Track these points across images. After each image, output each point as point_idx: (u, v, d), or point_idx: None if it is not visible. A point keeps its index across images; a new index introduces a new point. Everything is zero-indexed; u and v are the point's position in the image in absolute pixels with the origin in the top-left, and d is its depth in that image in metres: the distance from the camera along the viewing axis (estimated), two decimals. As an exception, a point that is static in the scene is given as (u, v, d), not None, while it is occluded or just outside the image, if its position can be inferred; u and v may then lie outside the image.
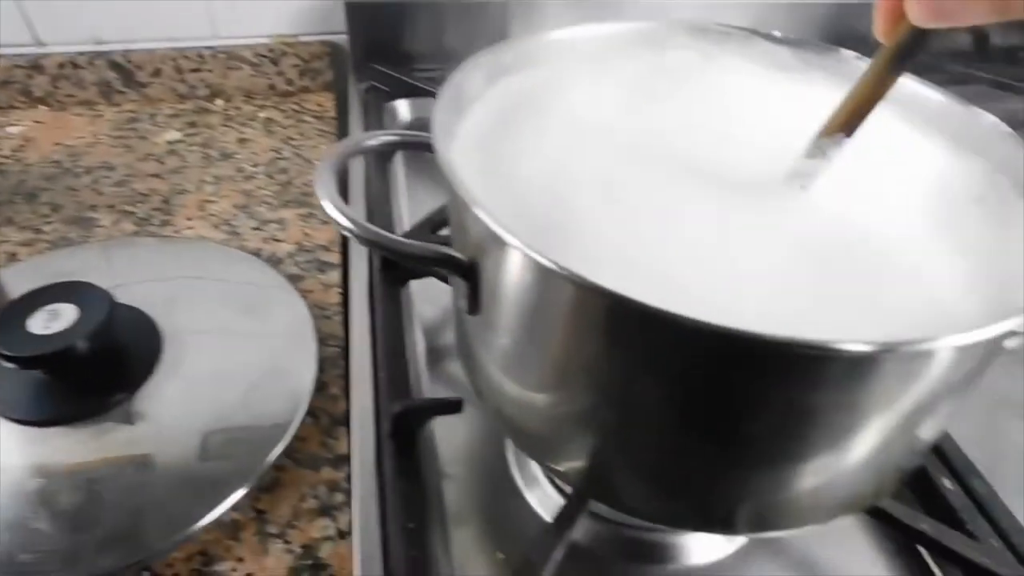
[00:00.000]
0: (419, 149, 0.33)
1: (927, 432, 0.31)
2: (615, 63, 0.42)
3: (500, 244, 0.26)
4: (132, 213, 0.61)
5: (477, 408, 0.42)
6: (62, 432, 0.41)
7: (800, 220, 0.31)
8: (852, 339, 0.22)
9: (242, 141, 0.70)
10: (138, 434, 0.41)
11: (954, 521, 0.39)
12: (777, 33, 0.43)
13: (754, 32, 0.44)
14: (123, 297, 0.47)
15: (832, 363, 0.23)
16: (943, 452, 0.42)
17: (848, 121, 0.31)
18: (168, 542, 0.37)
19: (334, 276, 0.55)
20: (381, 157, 0.61)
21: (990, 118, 0.37)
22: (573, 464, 0.32)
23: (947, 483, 0.41)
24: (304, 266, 0.56)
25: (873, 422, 0.28)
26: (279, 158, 0.68)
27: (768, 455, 0.29)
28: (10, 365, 0.40)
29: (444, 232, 0.51)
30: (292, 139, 0.71)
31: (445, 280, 0.46)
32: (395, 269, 0.49)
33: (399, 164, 0.64)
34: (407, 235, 0.50)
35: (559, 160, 0.34)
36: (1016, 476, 0.45)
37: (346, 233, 0.29)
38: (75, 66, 0.73)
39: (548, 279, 0.25)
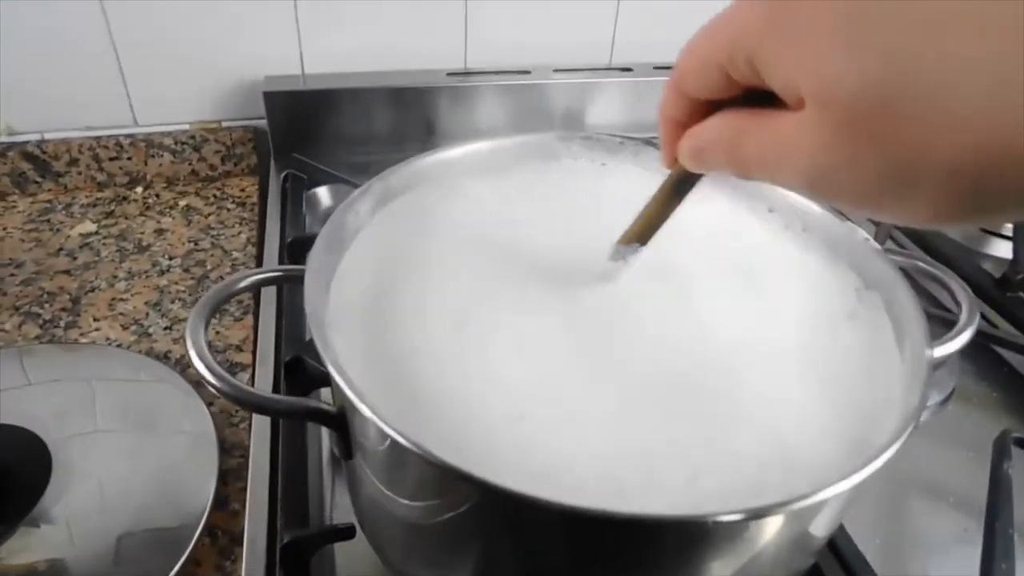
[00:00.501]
0: (298, 283, 0.33)
1: (814, 537, 0.32)
2: (507, 177, 0.43)
3: (354, 406, 0.26)
4: (38, 315, 0.59)
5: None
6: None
7: (657, 352, 0.32)
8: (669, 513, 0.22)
9: (159, 232, 0.70)
10: (20, 569, 0.40)
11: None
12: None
13: (647, 142, 0.45)
14: (13, 413, 0.46)
15: (669, 529, 0.24)
16: (837, 549, 0.43)
17: (642, 233, 0.34)
18: None
19: (244, 379, 0.54)
20: (295, 254, 0.60)
21: (861, 234, 0.38)
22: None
23: (840, 585, 0.41)
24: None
25: (744, 555, 0.28)
26: (196, 249, 0.68)
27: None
28: None
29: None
30: (212, 228, 0.71)
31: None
32: (301, 379, 0.49)
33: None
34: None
35: (424, 295, 0.35)
36: (916, 560, 0.45)
37: (213, 391, 0.29)
38: (-14, 158, 0.72)
39: (394, 446, 0.25)
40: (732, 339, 0.35)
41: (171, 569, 0.40)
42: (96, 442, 0.46)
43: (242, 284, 0.34)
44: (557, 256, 0.38)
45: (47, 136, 0.73)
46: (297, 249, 0.61)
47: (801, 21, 0.19)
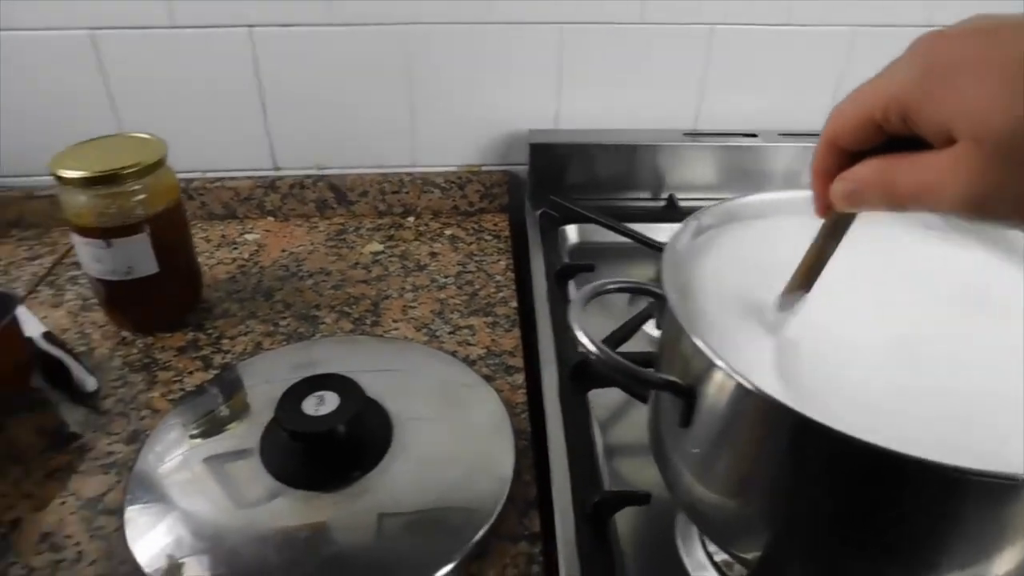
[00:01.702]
0: (643, 294, 0.43)
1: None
2: (788, 221, 0.51)
3: (719, 374, 0.35)
4: (348, 314, 0.73)
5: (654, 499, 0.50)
6: (315, 496, 0.51)
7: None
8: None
9: (433, 255, 0.83)
10: (372, 506, 0.51)
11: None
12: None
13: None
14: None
15: (969, 486, 0.30)
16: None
17: (805, 280, 0.39)
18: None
19: (519, 378, 0.65)
20: (559, 279, 0.71)
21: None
22: (749, 552, 0.39)
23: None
24: (493, 368, 0.66)
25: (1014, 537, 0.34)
26: (465, 271, 0.80)
27: (914, 564, 0.35)
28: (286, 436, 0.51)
29: (622, 349, 0.60)
30: (475, 255, 0.83)
31: (629, 392, 0.55)
32: (582, 379, 0.58)
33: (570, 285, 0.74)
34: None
35: (755, 299, 0.43)
36: None
37: (595, 358, 0.39)
38: (302, 187, 0.88)
39: (751, 401, 0.33)
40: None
41: (486, 521, 0.50)
42: (420, 418, 0.57)
43: (611, 286, 0.44)
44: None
45: (347, 171, 0.89)
46: (563, 275, 0.71)
47: (952, 77, 0.26)
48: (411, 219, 0.90)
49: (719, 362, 0.35)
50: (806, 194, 0.52)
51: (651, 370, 0.39)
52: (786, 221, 0.51)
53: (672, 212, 0.84)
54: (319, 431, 0.51)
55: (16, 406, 0.62)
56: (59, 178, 0.62)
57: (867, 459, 0.31)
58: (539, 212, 0.83)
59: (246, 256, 0.82)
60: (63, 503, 0.53)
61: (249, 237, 0.86)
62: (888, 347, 0.40)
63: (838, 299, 0.43)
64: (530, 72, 0.85)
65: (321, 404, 0.52)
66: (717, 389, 0.36)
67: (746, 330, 0.41)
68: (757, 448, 0.36)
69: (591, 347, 0.39)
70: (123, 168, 0.62)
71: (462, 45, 0.82)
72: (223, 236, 0.86)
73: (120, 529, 0.50)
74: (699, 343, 0.36)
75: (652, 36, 0.83)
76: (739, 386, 0.34)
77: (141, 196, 0.64)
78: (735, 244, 0.48)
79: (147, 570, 0.47)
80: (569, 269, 0.72)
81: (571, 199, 0.83)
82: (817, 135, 0.89)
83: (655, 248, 0.76)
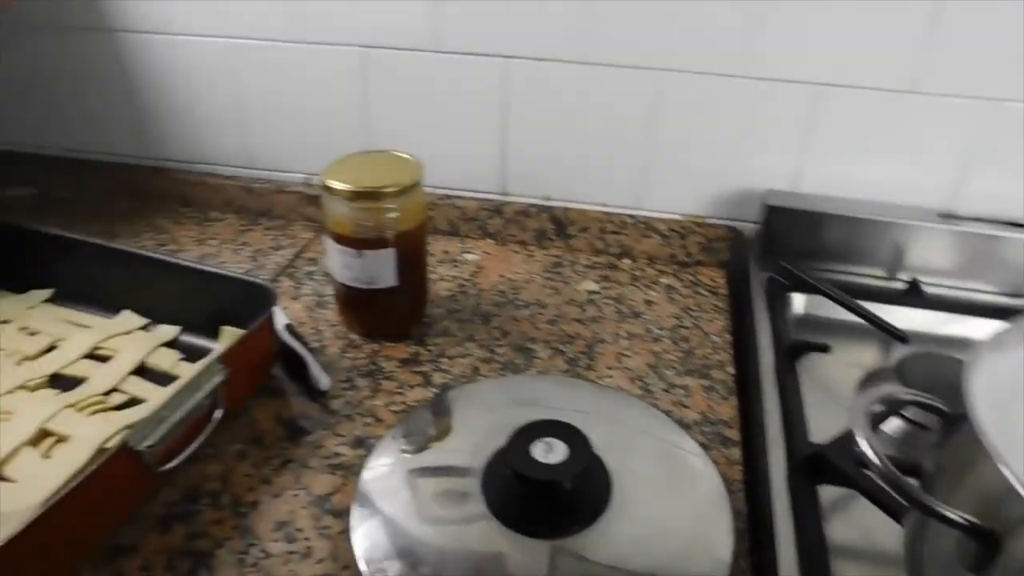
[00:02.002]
0: (936, 413, 0.39)
1: None
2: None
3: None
4: (563, 352, 0.73)
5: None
6: (533, 541, 0.51)
7: None
8: None
9: (648, 303, 0.81)
10: (589, 564, 0.50)
11: None
12: None
13: None
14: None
15: None
16: None
17: None
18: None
19: (735, 452, 0.62)
20: (788, 357, 0.68)
21: None
22: None
23: None
24: (709, 436, 0.63)
25: None
26: (680, 326, 0.78)
27: None
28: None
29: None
30: (691, 309, 0.81)
31: (873, 501, 0.51)
32: (814, 473, 0.55)
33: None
34: (840, 440, 0.55)
35: None
36: None
37: (877, 473, 0.36)
38: (526, 215, 0.90)
39: None
40: None
41: (700, 604, 0.48)
42: (640, 480, 0.56)
43: (904, 397, 0.41)
44: None
45: (570, 206, 0.90)
46: (794, 351, 0.68)
47: None
48: (627, 261, 0.89)
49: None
50: None
51: (949, 509, 0.35)
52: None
53: (916, 298, 0.77)
54: (547, 479, 0.51)
55: (258, 392, 0.67)
56: (328, 188, 0.66)
57: None
58: (766, 276, 0.79)
59: (466, 276, 0.85)
60: (295, 495, 0.57)
61: (469, 257, 0.89)
62: None
63: None
64: (775, 129, 0.81)
65: (549, 451, 0.52)
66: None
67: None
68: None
69: (878, 462, 0.36)
70: (385, 186, 0.66)
71: (711, 95, 0.80)
72: (445, 252, 0.89)
73: (345, 532, 0.53)
74: (1015, 482, 0.32)
75: (921, 107, 0.77)
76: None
77: (395, 214, 0.67)
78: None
79: (368, 580, 0.49)
80: (800, 346, 0.68)
81: (798, 266, 0.79)
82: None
83: (895, 336, 0.70)
